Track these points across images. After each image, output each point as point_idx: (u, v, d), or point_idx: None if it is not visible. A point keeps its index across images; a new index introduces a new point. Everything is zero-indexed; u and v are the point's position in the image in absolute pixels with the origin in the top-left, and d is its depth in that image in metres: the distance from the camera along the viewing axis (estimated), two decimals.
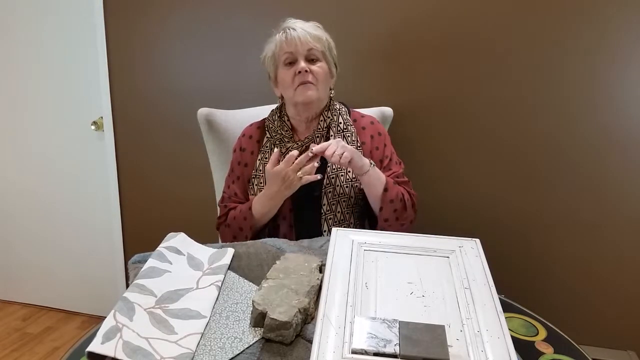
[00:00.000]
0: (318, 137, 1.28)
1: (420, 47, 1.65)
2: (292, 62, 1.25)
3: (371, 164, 1.21)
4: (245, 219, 1.25)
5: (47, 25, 2.08)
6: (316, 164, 1.16)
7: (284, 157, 1.17)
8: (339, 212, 1.27)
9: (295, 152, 1.17)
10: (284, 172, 1.16)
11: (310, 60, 1.26)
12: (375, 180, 1.22)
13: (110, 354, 0.70)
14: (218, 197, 1.60)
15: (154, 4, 1.89)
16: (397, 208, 1.23)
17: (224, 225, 1.32)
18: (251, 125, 1.39)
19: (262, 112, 1.47)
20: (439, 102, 1.68)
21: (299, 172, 1.16)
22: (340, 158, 1.12)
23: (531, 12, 1.54)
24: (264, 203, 1.23)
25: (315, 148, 1.15)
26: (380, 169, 1.30)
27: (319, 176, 1.17)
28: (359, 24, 1.69)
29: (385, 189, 1.22)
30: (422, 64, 1.66)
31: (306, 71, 1.23)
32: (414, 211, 1.29)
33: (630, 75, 1.51)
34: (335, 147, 1.14)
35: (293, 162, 1.16)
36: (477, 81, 1.63)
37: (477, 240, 0.96)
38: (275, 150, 1.20)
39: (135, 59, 1.97)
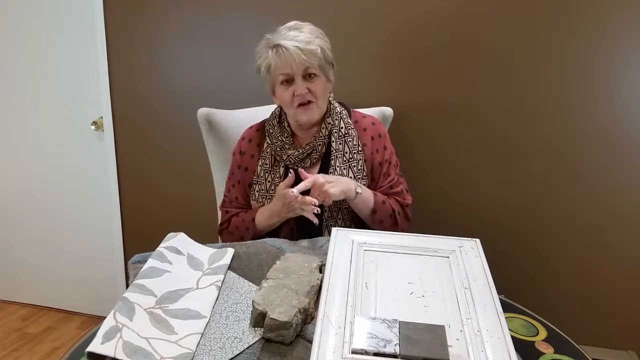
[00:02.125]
0: (320, 144, 1.28)
1: (420, 47, 1.65)
2: (288, 80, 1.22)
3: (357, 192, 1.20)
4: (247, 229, 1.28)
5: (47, 25, 2.08)
6: (314, 204, 1.15)
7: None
8: (340, 219, 1.27)
9: (299, 189, 1.15)
10: (289, 200, 1.16)
11: (308, 75, 1.22)
12: (362, 206, 1.24)
13: (110, 354, 0.70)
14: (218, 197, 1.60)
15: (154, 4, 1.89)
16: (387, 226, 1.26)
17: (226, 232, 1.33)
18: (251, 127, 1.39)
19: (262, 112, 1.47)
20: (439, 102, 1.68)
21: (302, 206, 1.16)
22: (324, 201, 1.15)
23: (531, 12, 1.54)
24: (268, 217, 1.25)
25: (296, 188, 1.13)
26: (379, 174, 1.30)
27: (316, 220, 1.17)
28: (359, 24, 1.69)
29: (374, 211, 1.24)
30: (422, 64, 1.66)
31: (305, 93, 1.21)
32: (407, 221, 1.31)
33: (630, 75, 1.51)
34: (317, 192, 1.14)
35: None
36: (477, 81, 1.63)
37: (477, 240, 0.96)
38: (291, 174, 1.19)
39: (135, 59, 1.97)
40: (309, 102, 1.23)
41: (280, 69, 1.21)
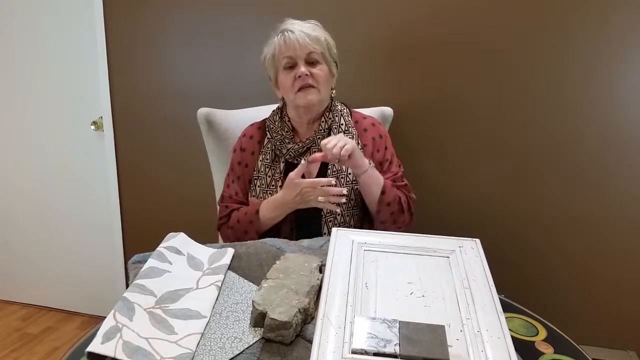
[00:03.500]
0: (319, 138, 1.28)
1: (420, 47, 1.65)
2: (292, 66, 1.25)
3: (370, 164, 1.21)
4: (251, 222, 1.26)
5: (47, 25, 2.08)
6: (344, 194, 1.15)
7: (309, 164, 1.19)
8: (339, 214, 1.27)
9: (328, 180, 1.16)
10: (306, 190, 1.16)
11: (310, 63, 1.25)
12: (373, 182, 1.22)
13: (110, 354, 0.70)
14: (218, 197, 1.60)
15: (154, 4, 1.89)
16: (394, 211, 1.24)
17: (226, 226, 1.32)
18: (252, 125, 1.39)
19: (263, 112, 1.47)
20: (439, 102, 1.68)
21: (321, 197, 1.16)
22: (342, 150, 1.12)
23: (531, 12, 1.54)
24: (273, 208, 1.24)
25: (322, 142, 1.14)
26: (380, 172, 1.30)
27: (339, 210, 1.18)
28: (359, 24, 1.69)
29: (383, 192, 1.22)
30: (422, 64, 1.66)
31: (306, 75, 1.23)
32: (411, 214, 1.29)
33: (630, 75, 1.51)
34: (336, 141, 1.13)
35: (320, 186, 1.16)
36: (477, 81, 1.63)
37: (477, 240, 0.96)
38: (303, 162, 1.19)
39: (136, 59, 1.97)
40: (310, 86, 1.24)
41: (284, 51, 1.24)
